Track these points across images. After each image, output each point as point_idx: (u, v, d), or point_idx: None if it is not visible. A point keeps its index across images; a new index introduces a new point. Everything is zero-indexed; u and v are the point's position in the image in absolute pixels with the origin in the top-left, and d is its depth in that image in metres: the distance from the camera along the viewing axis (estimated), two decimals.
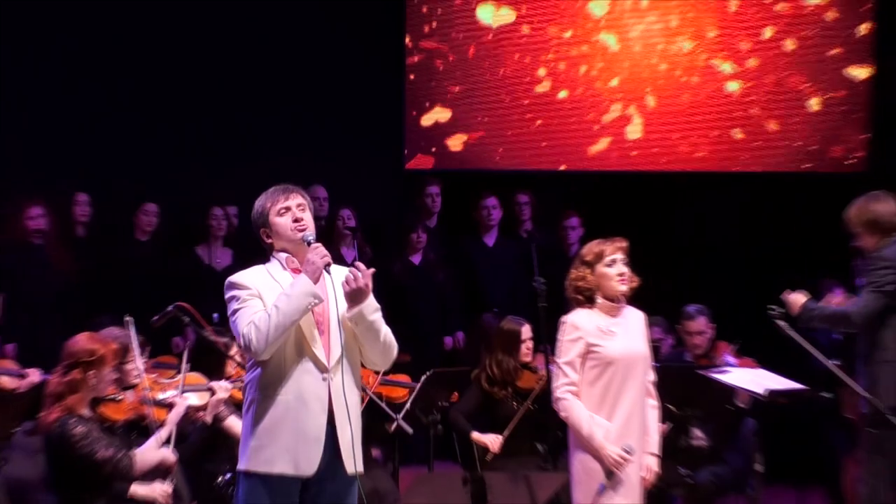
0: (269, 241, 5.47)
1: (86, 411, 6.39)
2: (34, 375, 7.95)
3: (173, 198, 10.58)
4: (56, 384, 6.41)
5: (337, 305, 5.37)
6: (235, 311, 5.36)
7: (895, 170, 10.59)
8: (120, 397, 6.81)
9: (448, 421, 8.26)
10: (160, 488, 6.61)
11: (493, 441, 8.01)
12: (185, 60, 11.18)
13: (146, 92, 11.11)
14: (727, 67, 11.67)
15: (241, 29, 11.30)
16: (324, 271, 5.29)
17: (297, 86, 11.33)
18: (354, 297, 5.30)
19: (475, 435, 8.10)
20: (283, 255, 5.45)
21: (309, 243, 5.37)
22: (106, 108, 11.05)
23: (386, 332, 5.46)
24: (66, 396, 6.33)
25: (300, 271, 5.34)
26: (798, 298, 7.50)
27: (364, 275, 5.28)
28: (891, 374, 7.38)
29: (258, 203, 5.49)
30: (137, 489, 6.54)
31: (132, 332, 7.10)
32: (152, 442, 6.75)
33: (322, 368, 5.36)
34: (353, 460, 5.36)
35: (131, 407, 6.88)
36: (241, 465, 5.42)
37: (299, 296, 5.23)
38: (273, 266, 5.46)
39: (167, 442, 6.86)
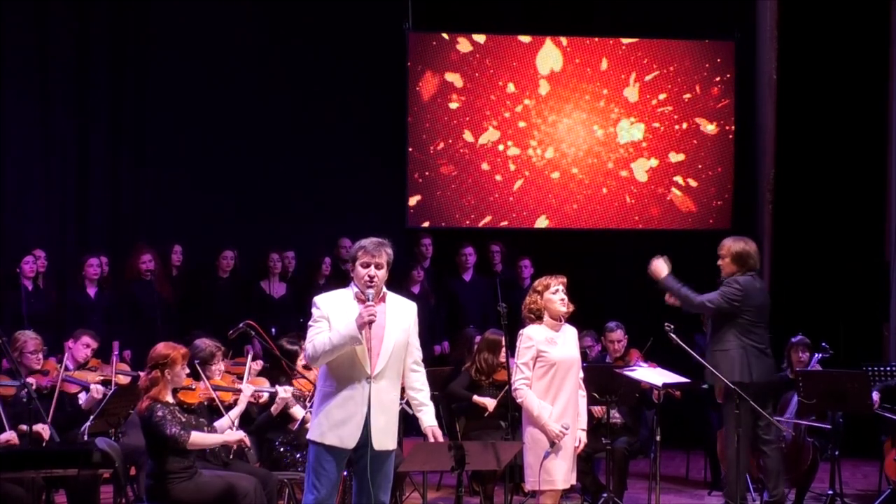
0: (351, 274, 5.54)
1: (169, 398, 6.30)
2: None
3: (243, 247, 10.45)
4: (144, 380, 6.37)
5: (386, 332, 5.50)
6: (309, 325, 5.50)
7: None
8: (193, 386, 6.71)
9: (447, 392, 8.18)
10: (233, 436, 6.47)
11: (489, 402, 8.01)
12: (253, 149, 11.04)
13: (221, 171, 10.90)
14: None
15: (300, 126, 11.16)
16: (367, 325, 5.36)
17: (337, 174, 11.21)
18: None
19: (476, 398, 8.07)
20: (356, 290, 5.51)
21: (367, 299, 5.40)
22: (193, 182, 10.85)
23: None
24: (151, 388, 6.26)
25: (363, 302, 5.42)
26: (662, 267, 7.44)
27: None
28: (726, 360, 7.40)
29: (356, 246, 5.55)
30: (217, 438, 6.44)
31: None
32: (225, 420, 6.67)
33: (366, 376, 5.42)
34: (380, 440, 5.42)
35: (201, 393, 6.79)
36: (309, 436, 5.54)
37: (345, 337, 5.35)
38: (348, 294, 5.52)
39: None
